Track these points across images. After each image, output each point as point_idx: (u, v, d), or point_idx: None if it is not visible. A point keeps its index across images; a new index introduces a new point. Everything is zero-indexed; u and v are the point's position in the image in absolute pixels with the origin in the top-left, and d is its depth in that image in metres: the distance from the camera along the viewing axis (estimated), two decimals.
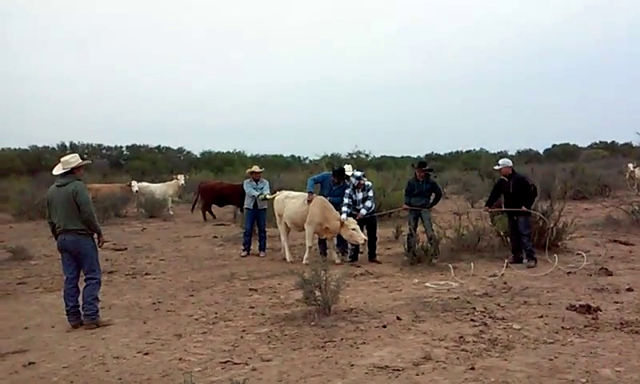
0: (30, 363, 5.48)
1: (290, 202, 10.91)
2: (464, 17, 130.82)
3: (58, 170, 6.76)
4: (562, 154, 52.27)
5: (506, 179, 9.78)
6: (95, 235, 6.91)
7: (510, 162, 9.94)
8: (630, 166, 23.97)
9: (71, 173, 6.73)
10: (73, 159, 6.79)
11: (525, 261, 9.52)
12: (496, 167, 10.01)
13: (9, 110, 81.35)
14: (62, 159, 6.83)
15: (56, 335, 6.46)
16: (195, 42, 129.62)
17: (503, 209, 9.96)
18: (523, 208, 9.50)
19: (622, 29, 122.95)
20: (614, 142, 58.25)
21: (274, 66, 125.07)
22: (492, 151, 42.57)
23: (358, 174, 10.47)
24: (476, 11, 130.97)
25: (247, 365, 5.21)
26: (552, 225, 10.45)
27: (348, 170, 11.14)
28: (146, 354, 5.64)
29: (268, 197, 11.68)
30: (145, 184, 20.81)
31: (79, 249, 6.68)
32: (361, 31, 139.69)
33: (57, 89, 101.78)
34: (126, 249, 12.66)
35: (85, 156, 6.58)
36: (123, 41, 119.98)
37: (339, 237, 10.53)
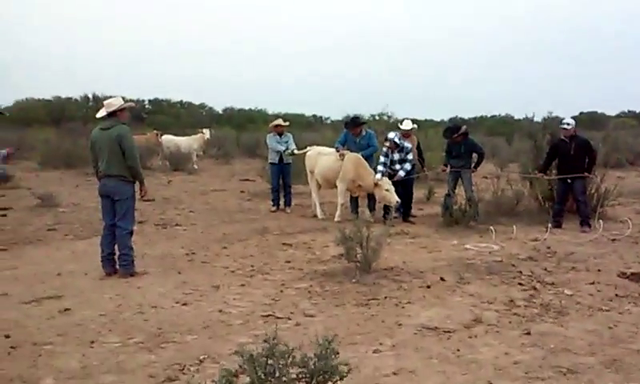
0: (65, 309, 5.33)
1: (322, 159, 10.61)
2: None
3: (101, 113, 6.52)
4: (590, 121, 50.96)
5: (567, 141, 9.36)
6: (137, 185, 6.68)
7: (574, 123, 9.50)
8: None
9: (114, 116, 6.48)
10: (116, 101, 6.54)
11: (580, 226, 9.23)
12: (562, 126, 9.52)
13: (33, 61, 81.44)
14: (104, 102, 6.57)
15: (90, 282, 6.32)
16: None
17: (561, 176, 9.46)
18: (585, 174, 9.22)
19: None
20: None
21: (298, 23, 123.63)
22: (517, 117, 41.71)
23: (392, 135, 10.10)
24: None
25: (290, 319, 5.03)
26: (594, 191, 10.09)
27: (407, 124, 10.80)
28: (185, 304, 5.49)
29: (296, 152, 11.38)
30: (170, 137, 20.61)
31: (118, 194, 6.45)
32: None
33: (80, 40, 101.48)
34: (153, 200, 12.52)
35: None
36: None
37: (369, 196, 10.25)
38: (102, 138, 6.45)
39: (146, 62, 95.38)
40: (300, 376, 2.70)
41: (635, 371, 3.94)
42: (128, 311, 5.30)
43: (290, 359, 2.62)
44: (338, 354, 2.70)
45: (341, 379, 2.72)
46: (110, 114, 6.47)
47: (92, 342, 4.53)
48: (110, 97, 7.10)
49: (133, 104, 7.47)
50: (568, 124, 9.40)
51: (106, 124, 6.47)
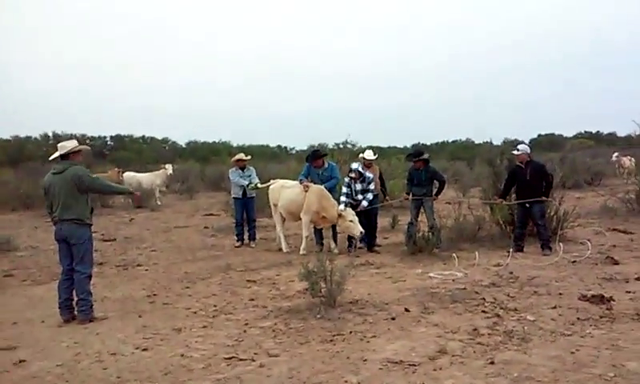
0: (20, 361, 5.13)
1: (285, 192, 10.58)
2: (451, 8, 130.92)
3: (54, 156, 6.39)
4: (548, 143, 52.26)
5: (523, 166, 9.53)
6: (91, 225, 6.56)
7: (528, 149, 9.68)
8: (615, 155, 24.23)
9: (67, 158, 6.35)
10: (69, 143, 6.40)
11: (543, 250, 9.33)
12: (514, 152, 9.73)
13: None
14: (58, 145, 6.44)
15: (47, 331, 6.12)
16: (179, 32, 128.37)
17: (519, 201, 9.57)
18: (543, 197, 9.35)
19: (605, 18, 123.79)
20: (598, 131, 58.86)
21: (259, 56, 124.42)
22: (478, 141, 42.46)
23: (355, 166, 10.15)
24: (464, 3, 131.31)
25: (254, 361, 4.92)
26: (553, 213, 10.27)
27: (368, 154, 10.78)
28: (145, 349, 5.34)
29: (260, 186, 11.32)
30: (132, 174, 20.35)
31: (74, 238, 6.29)
32: (346, 23, 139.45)
33: (39, 78, 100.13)
34: (114, 239, 12.29)
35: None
36: (104, 29, 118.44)
37: (333, 227, 10.24)
38: (55, 182, 6.29)
39: (108, 97, 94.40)
40: None
41: None
42: (86, 360, 5.14)
43: None
44: None
45: None
46: (63, 157, 6.35)
47: None
48: (72, 136, 7.00)
49: (87, 147, 7.33)
50: (518, 149, 9.63)
51: (58, 167, 6.33)
